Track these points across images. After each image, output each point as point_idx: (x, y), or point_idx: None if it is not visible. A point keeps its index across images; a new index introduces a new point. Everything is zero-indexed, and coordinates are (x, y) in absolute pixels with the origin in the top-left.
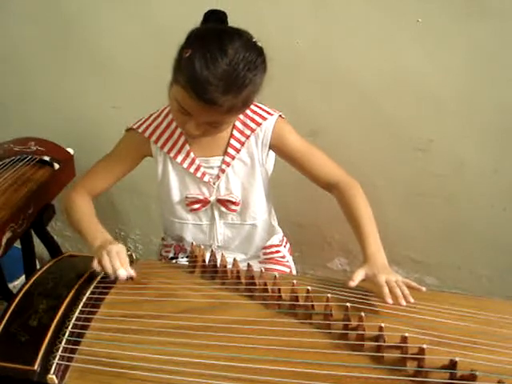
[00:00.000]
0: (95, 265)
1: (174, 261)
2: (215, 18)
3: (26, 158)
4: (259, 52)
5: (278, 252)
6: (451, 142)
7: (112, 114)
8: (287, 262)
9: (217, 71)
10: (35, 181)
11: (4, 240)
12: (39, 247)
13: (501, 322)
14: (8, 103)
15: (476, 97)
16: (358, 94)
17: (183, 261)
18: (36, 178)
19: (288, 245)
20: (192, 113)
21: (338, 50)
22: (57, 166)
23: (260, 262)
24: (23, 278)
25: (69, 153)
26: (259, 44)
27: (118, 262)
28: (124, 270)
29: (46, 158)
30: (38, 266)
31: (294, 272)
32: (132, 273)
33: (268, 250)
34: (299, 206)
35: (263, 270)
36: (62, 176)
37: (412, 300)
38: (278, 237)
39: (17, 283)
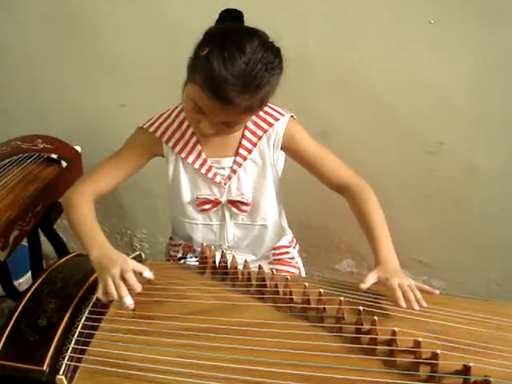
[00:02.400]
0: (100, 295)
1: (182, 261)
2: (231, 17)
3: (33, 155)
4: (277, 53)
5: (287, 253)
6: (462, 146)
7: (120, 113)
8: (296, 263)
9: (234, 70)
10: (43, 179)
11: (11, 238)
12: (45, 245)
13: None
14: (16, 100)
15: (487, 100)
16: (369, 96)
17: (192, 261)
18: (43, 176)
19: (297, 246)
20: (208, 112)
21: (349, 50)
22: (64, 163)
23: (269, 263)
24: (29, 275)
25: (76, 151)
26: (276, 45)
27: (123, 289)
28: (130, 299)
29: (54, 156)
30: (44, 265)
31: (303, 273)
32: (151, 276)
33: (277, 251)
34: (307, 206)
35: (274, 271)
36: (70, 174)
37: (425, 304)
38: (288, 238)
39: (22, 281)
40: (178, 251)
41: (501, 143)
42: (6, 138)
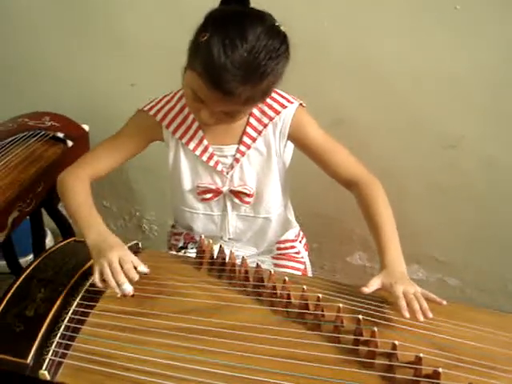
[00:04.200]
0: (97, 280)
1: (183, 251)
2: None
3: (38, 133)
4: (283, 39)
5: (292, 248)
6: (481, 139)
7: (130, 92)
8: (302, 258)
9: (235, 59)
10: (46, 158)
11: (10, 220)
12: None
13: None
14: (25, 77)
15: (508, 91)
16: (386, 85)
17: (192, 251)
18: (47, 156)
19: (304, 240)
20: (207, 101)
21: (366, 35)
22: (70, 143)
23: (273, 258)
24: None
25: (84, 129)
26: (283, 29)
27: (121, 276)
28: (129, 285)
29: (60, 135)
30: (52, 241)
31: (309, 268)
32: (146, 270)
33: (282, 245)
34: (319, 196)
35: (274, 266)
36: (76, 154)
37: (431, 315)
38: (294, 231)
39: (29, 258)
40: (179, 240)
41: None
42: (14, 115)
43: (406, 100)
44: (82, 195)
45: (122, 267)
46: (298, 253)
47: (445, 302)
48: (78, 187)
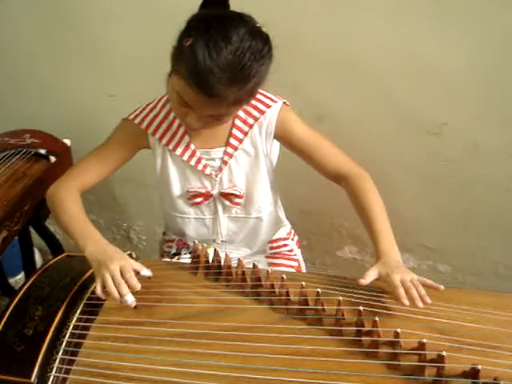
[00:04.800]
0: (99, 292)
1: (176, 257)
2: (215, 1)
3: (20, 151)
4: (265, 39)
5: (285, 246)
6: (465, 126)
7: (110, 103)
8: (295, 255)
9: (220, 61)
10: (31, 176)
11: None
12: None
13: None
14: (1, 92)
15: (491, 78)
16: (366, 77)
17: (186, 257)
18: (31, 173)
19: (296, 237)
20: (193, 106)
21: (346, 29)
22: (53, 158)
23: (267, 257)
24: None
25: (65, 144)
26: (264, 30)
27: (124, 287)
28: (132, 296)
29: (42, 151)
30: (40, 259)
31: (303, 265)
32: (149, 273)
33: (275, 244)
34: (307, 193)
35: (268, 265)
36: (59, 169)
37: (429, 301)
38: (286, 229)
39: (19, 277)
40: (171, 247)
41: (506, 122)
42: None
43: (388, 90)
44: (75, 207)
45: (123, 276)
46: (291, 251)
47: (442, 287)
48: (69, 200)
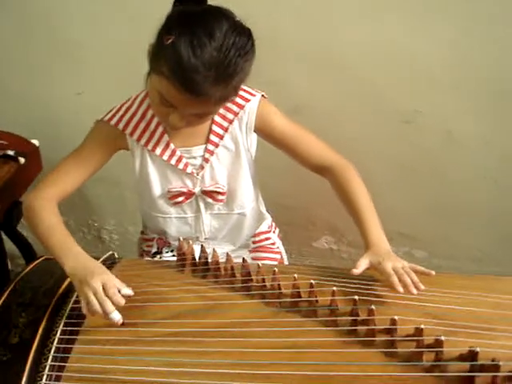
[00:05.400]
0: (85, 311)
1: (158, 256)
2: None
3: None
4: (248, 35)
5: (268, 239)
6: (440, 113)
7: (77, 101)
8: (277, 248)
9: (205, 58)
10: (0, 178)
11: None
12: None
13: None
14: None
15: (465, 66)
16: (341, 67)
17: (168, 256)
18: (1, 176)
19: (277, 230)
20: (178, 105)
21: (320, 21)
22: (22, 160)
23: (250, 252)
24: None
25: (34, 145)
26: (246, 26)
27: (108, 305)
28: (117, 313)
29: (10, 153)
30: (9, 263)
31: (285, 257)
32: (130, 292)
33: (257, 238)
34: (281, 186)
35: (252, 259)
36: (29, 170)
37: (422, 287)
38: (267, 222)
39: None
40: (151, 246)
41: (481, 110)
42: None
43: (362, 80)
44: (53, 218)
45: (106, 293)
46: (273, 244)
47: (433, 273)
48: (46, 210)
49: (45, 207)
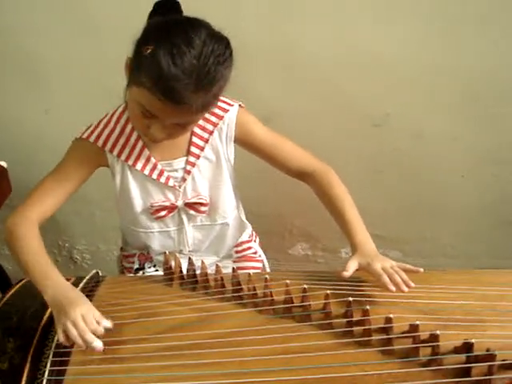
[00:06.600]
0: (62, 339)
1: (140, 272)
2: (168, 8)
3: None
4: (226, 43)
5: (249, 248)
6: (408, 114)
7: (45, 119)
8: (259, 256)
9: (185, 67)
10: None
11: None
12: None
13: (498, 294)
14: None
15: (431, 66)
16: (309, 74)
17: (151, 271)
18: None
19: (258, 239)
20: (159, 115)
21: (287, 27)
22: None
23: (233, 261)
24: None
25: (2, 166)
26: (224, 34)
27: (89, 335)
28: (100, 342)
29: None
30: None
31: (267, 265)
32: (109, 325)
33: (240, 248)
34: (256, 194)
35: (251, 272)
36: None
37: (413, 284)
38: (248, 232)
39: None
40: (133, 262)
41: (448, 107)
42: None
43: (331, 85)
44: (35, 243)
45: (86, 323)
46: (255, 252)
47: (422, 270)
48: (28, 235)
49: (26, 233)
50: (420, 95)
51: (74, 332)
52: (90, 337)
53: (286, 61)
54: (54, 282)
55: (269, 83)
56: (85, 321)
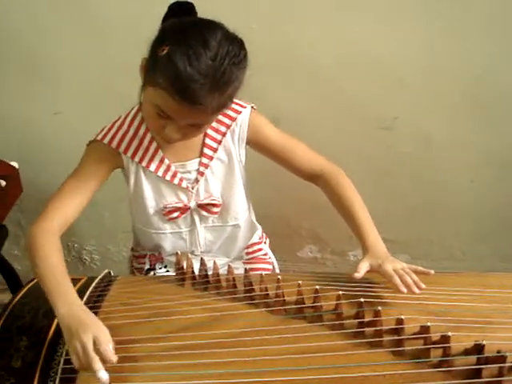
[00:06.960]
0: (74, 362)
1: (151, 272)
2: (183, 10)
3: None
4: (241, 44)
5: (260, 250)
6: (417, 118)
7: (55, 121)
8: (269, 258)
9: (201, 67)
10: None
11: None
12: None
13: (508, 296)
14: None
15: (440, 70)
16: (318, 77)
17: (162, 271)
18: None
19: (268, 240)
20: (175, 116)
21: (295, 32)
22: (3, 183)
23: (244, 263)
24: None
25: (13, 167)
26: (239, 36)
27: (97, 363)
28: (105, 373)
29: None
30: None
31: (277, 268)
32: (114, 360)
33: (250, 249)
34: (264, 196)
35: (263, 273)
36: (9, 194)
37: (424, 286)
38: (258, 234)
39: None
40: (144, 263)
41: (456, 112)
42: None
43: (339, 89)
44: (54, 257)
45: (99, 348)
46: (265, 254)
47: (432, 272)
48: (49, 246)
49: (49, 243)
50: (428, 100)
51: (82, 357)
52: (98, 365)
53: (293, 65)
54: (66, 300)
55: (276, 87)
56: (97, 346)
